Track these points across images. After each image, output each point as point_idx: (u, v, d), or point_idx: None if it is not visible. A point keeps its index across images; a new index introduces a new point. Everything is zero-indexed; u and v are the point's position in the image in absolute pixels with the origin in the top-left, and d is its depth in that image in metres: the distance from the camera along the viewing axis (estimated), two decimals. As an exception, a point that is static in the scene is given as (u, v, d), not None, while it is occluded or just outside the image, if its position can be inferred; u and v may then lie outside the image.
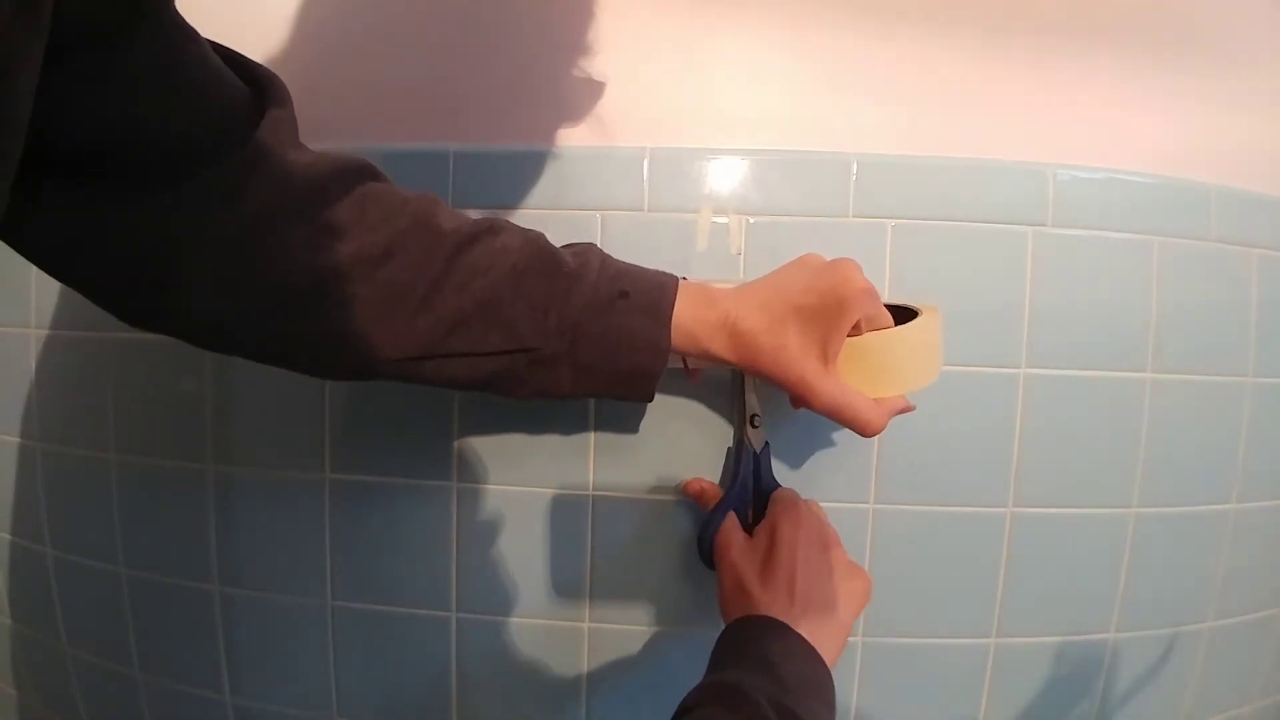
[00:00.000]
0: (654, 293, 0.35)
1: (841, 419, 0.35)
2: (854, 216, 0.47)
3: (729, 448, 0.47)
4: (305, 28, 0.51)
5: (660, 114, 0.48)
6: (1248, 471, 0.51)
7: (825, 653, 0.35)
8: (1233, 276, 0.50)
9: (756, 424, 0.45)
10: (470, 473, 0.49)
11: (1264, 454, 0.51)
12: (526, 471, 0.49)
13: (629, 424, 0.48)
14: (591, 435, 0.48)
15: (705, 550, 0.44)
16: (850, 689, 0.49)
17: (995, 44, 0.48)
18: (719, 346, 0.36)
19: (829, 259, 0.38)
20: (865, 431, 0.36)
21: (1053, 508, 0.48)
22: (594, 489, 0.48)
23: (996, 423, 0.48)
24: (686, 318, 0.35)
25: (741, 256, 0.47)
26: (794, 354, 0.35)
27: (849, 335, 0.36)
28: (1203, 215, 0.49)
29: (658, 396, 0.47)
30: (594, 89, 0.48)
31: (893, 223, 0.47)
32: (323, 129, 0.51)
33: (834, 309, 0.34)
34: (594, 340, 0.34)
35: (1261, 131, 0.51)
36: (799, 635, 0.35)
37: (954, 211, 0.47)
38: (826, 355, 0.35)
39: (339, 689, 0.52)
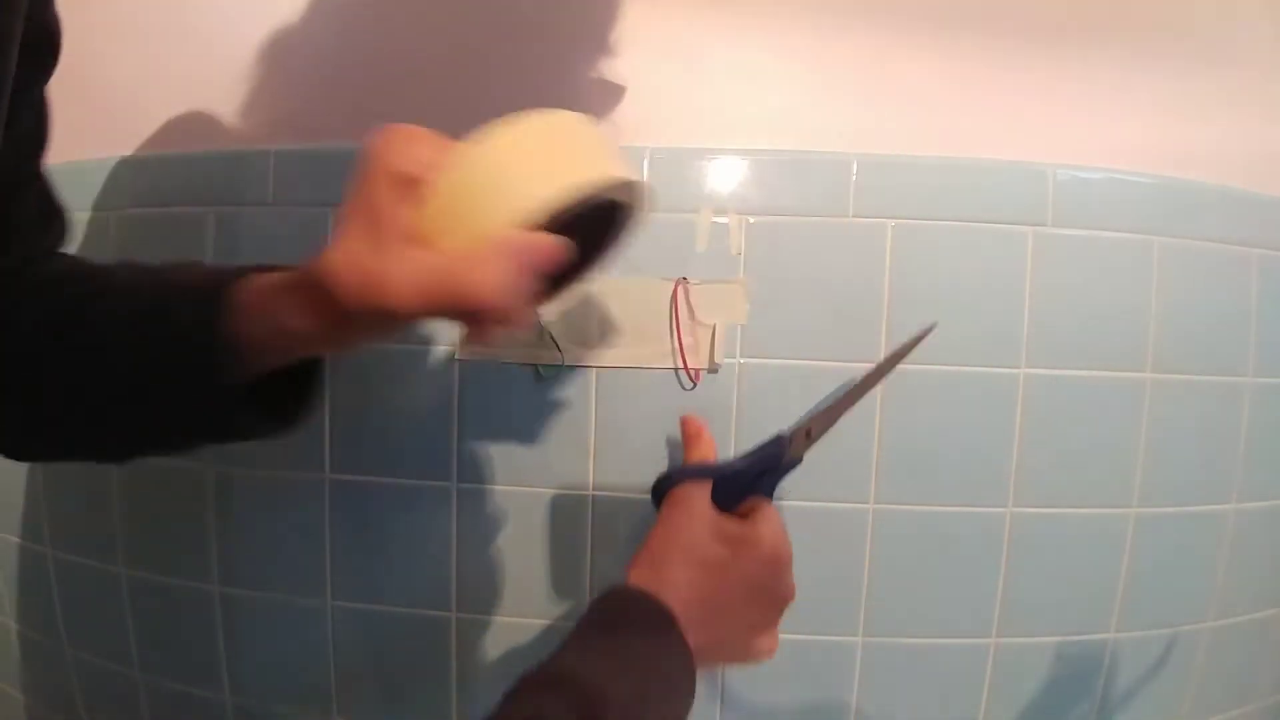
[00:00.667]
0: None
1: (434, 294, 0.24)
2: (854, 216, 0.47)
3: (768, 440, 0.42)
4: (308, 27, 0.51)
5: (660, 114, 0.48)
6: (1248, 471, 0.51)
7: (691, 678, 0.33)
8: (1233, 276, 0.50)
9: (813, 436, 0.41)
10: (470, 473, 0.49)
11: (1264, 454, 0.51)
12: (526, 471, 0.49)
13: (629, 424, 0.48)
14: (591, 435, 0.48)
15: (662, 489, 0.39)
16: (850, 689, 0.49)
17: (995, 44, 0.48)
18: (292, 307, 0.27)
19: None
20: (472, 293, 0.24)
21: (1053, 508, 0.48)
22: (594, 489, 0.48)
23: (996, 423, 0.48)
24: (248, 289, 0.28)
25: (741, 256, 0.47)
26: (356, 258, 0.25)
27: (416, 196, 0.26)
28: (1203, 215, 0.49)
29: (657, 397, 0.48)
30: (609, 90, 0.48)
31: (893, 223, 0.47)
32: (322, 128, 0.51)
33: (358, 180, 0.26)
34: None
35: (1261, 131, 0.51)
36: (688, 652, 0.32)
37: (954, 211, 0.47)
38: (382, 234, 0.25)
39: (339, 689, 0.52)
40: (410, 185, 0.25)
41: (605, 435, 0.48)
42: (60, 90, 0.57)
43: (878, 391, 0.47)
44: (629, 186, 0.29)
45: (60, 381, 0.29)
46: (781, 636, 0.48)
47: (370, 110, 0.50)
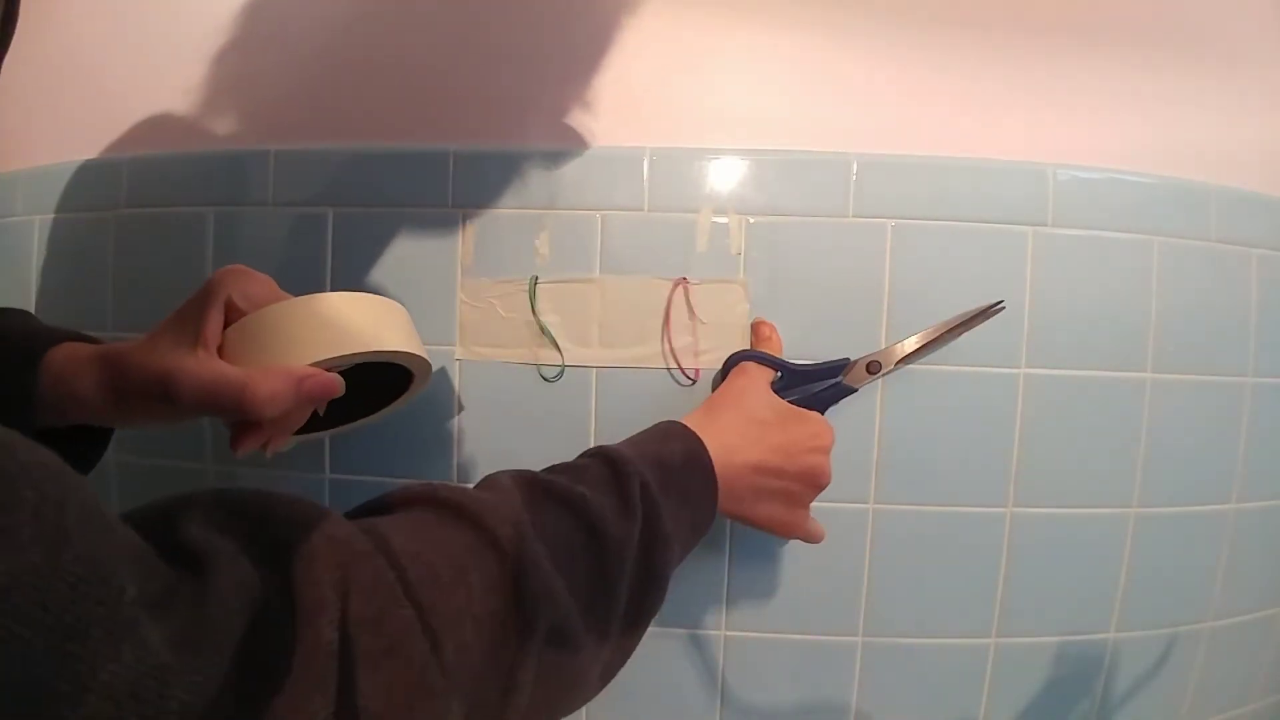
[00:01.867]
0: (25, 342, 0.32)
1: (216, 395, 0.29)
2: (854, 216, 0.47)
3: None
4: (306, 26, 0.51)
5: (660, 114, 0.48)
6: (1248, 471, 0.51)
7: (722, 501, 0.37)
8: (1233, 276, 0.50)
9: (873, 370, 0.45)
10: (470, 473, 0.49)
11: (1264, 454, 0.51)
12: (526, 471, 0.49)
13: (629, 424, 0.48)
14: (591, 435, 0.48)
15: (731, 363, 0.45)
16: (850, 689, 0.49)
17: (995, 44, 0.48)
18: (89, 379, 0.31)
19: None
20: (246, 401, 0.29)
21: (1053, 508, 0.48)
22: (594, 489, 0.48)
23: (996, 423, 0.48)
24: (57, 355, 0.31)
25: (741, 256, 0.47)
26: (159, 351, 0.30)
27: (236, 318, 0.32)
28: (1203, 215, 0.49)
29: (657, 397, 0.48)
30: (595, 90, 0.48)
31: (893, 223, 0.47)
32: (320, 127, 0.51)
33: (198, 297, 0.32)
34: None
35: (1261, 131, 0.51)
36: (712, 478, 0.36)
37: (954, 211, 0.47)
38: (202, 340, 0.30)
39: (339, 689, 0.52)
40: (234, 312, 0.32)
41: (605, 435, 0.48)
42: (61, 91, 0.58)
43: (878, 391, 0.47)
44: (413, 360, 0.38)
45: None
46: (782, 636, 0.48)
47: (368, 110, 0.50)
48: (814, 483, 0.40)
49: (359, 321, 0.35)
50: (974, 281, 0.47)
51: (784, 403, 0.42)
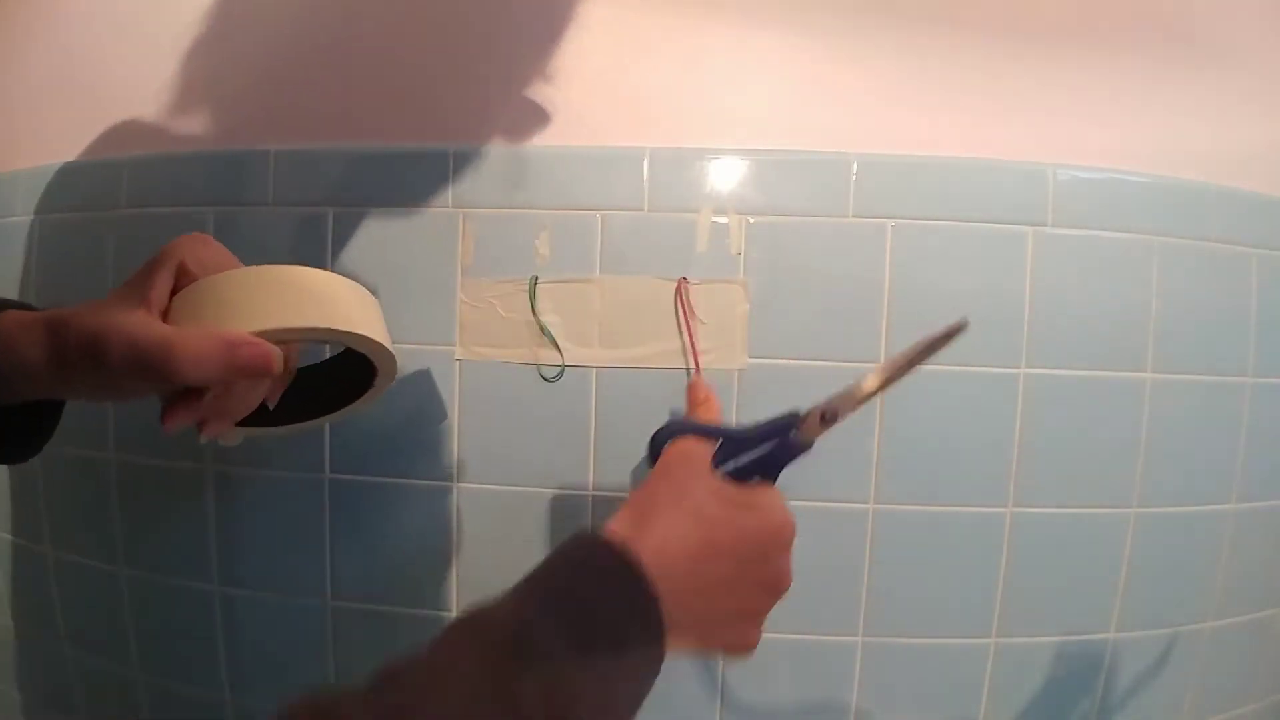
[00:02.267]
0: None
1: (143, 355, 0.27)
2: (854, 216, 0.47)
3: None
4: (297, 27, 0.51)
5: (660, 114, 0.48)
6: (1248, 471, 0.51)
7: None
8: (1233, 276, 0.50)
9: (829, 420, 0.36)
10: (470, 473, 0.49)
11: (1264, 454, 0.51)
12: (526, 471, 0.49)
13: (629, 424, 0.48)
14: (591, 435, 0.48)
15: (661, 441, 0.35)
16: (850, 689, 0.49)
17: (995, 44, 0.48)
18: (35, 346, 0.28)
19: None
20: (169, 364, 0.27)
21: (1053, 508, 0.48)
22: (594, 489, 0.48)
23: (996, 423, 0.48)
24: (3, 323, 0.29)
25: (741, 256, 0.47)
26: (102, 312, 0.28)
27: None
28: (1203, 215, 0.49)
29: (659, 398, 0.48)
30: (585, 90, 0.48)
31: (893, 223, 0.47)
32: (320, 127, 0.51)
33: (149, 262, 0.30)
34: None
35: (1261, 131, 0.51)
36: (659, 627, 0.27)
37: (954, 211, 0.47)
38: (145, 301, 0.28)
39: (339, 689, 0.52)
40: (185, 276, 0.30)
41: (605, 435, 0.48)
42: (61, 91, 0.57)
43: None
44: (374, 348, 0.34)
45: None
46: (782, 636, 0.48)
47: (368, 109, 0.50)
48: (775, 591, 0.32)
49: (315, 295, 0.31)
50: (974, 281, 0.47)
51: (731, 489, 0.33)
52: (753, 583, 0.31)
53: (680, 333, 0.47)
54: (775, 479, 0.36)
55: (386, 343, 0.34)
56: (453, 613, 0.50)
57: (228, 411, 0.35)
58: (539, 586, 0.28)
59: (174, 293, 0.30)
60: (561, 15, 0.49)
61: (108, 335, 0.27)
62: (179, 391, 0.31)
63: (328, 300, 0.32)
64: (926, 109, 0.48)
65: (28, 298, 0.57)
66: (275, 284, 0.30)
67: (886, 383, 0.36)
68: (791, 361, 0.47)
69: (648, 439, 0.36)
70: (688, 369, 0.47)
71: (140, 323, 0.28)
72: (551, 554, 0.29)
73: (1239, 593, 0.52)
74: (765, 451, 0.36)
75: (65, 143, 0.56)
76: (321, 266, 0.49)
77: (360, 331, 0.32)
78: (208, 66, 0.52)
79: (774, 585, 0.32)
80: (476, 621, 0.25)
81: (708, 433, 0.36)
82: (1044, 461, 0.48)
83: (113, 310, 0.28)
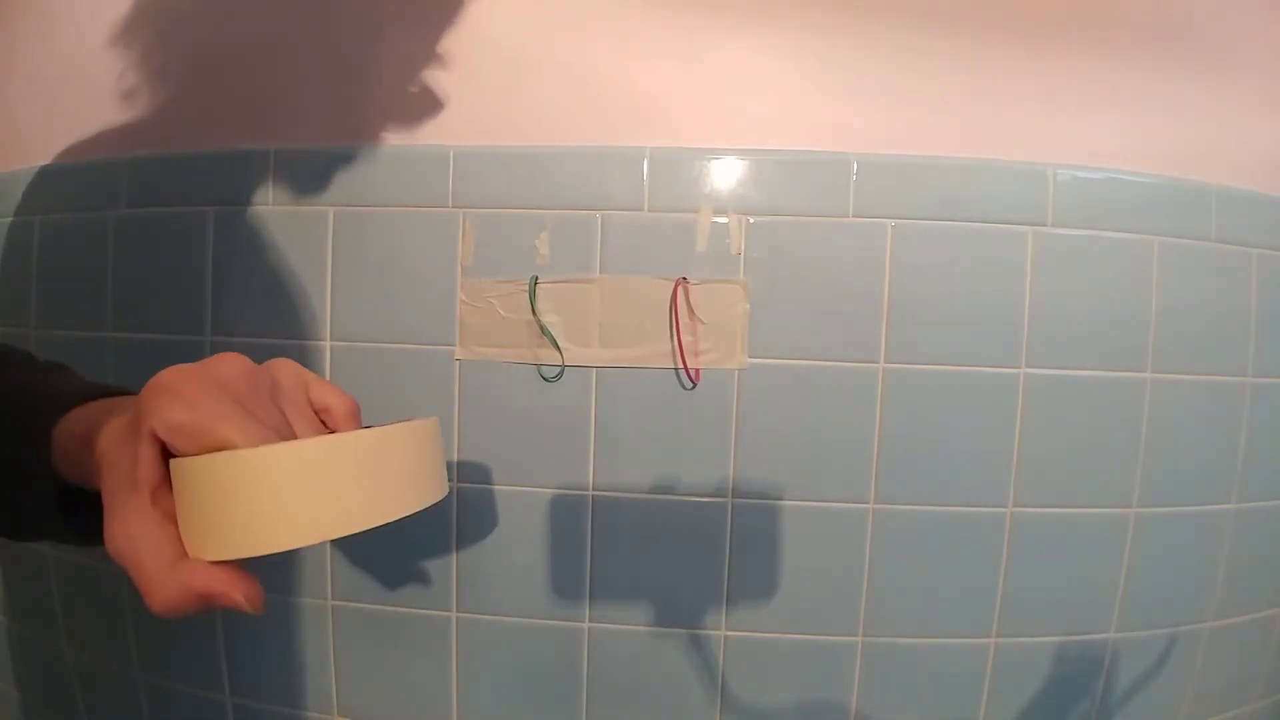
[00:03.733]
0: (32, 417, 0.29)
1: (128, 573, 0.24)
2: (854, 216, 0.47)
3: None
4: (306, 26, 0.51)
5: (660, 114, 0.48)
6: (1248, 471, 0.51)
7: None
8: (1233, 276, 0.50)
9: None
10: (470, 473, 0.49)
11: (1264, 454, 0.51)
12: (526, 471, 0.49)
13: (629, 424, 0.48)
14: (591, 435, 0.48)
15: None
16: (850, 689, 0.49)
17: (995, 44, 0.48)
18: (89, 466, 0.27)
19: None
20: (147, 601, 0.24)
21: (1053, 508, 0.48)
22: (594, 489, 0.48)
23: (996, 423, 0.48)
24: (59, 434, 0.28)
25: (741, 256, 0.47)
26: (109, 475, 0.25)
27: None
28: (1203, 215, 0.49)
29: (659, 398, 0.48)
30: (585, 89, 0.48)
31: (893, 223, 0.47)
32: (322, 127, 0.51)
33: (131, 421, 0.25)
34: None
35: (1261, 131, 0.51)
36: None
37: (954, 211, 0.47)
38: (131, 484, 0.24)
39: (339, 689, 0.52)
40: (168, 445, 0.24)
41: (605, 435, 0.48)
42: (62, 91, 0.57)
43: (878, 391, 0.47)
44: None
45: None
46: (782, 636, 0.48)
47: (371, 107, 0.50)
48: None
49: (347, 490, 0.23)
50: (974, 281, 0.47)
51: None
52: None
53: (671, 334, 0.47)
54: None
55: (441, 490, 0.27)
56: (453, 612, 0.50)
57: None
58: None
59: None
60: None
61: (107, 526, 0.24)
62: None
63: (368, 492, 0.24)
64: (926, 109, 0.48)
65: (28, 298, 0.57)
66: (289, 482, 0.23)
67: None
68: (791, 361, 0.47)
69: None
70: (682, 369, 0.47)
71: (125, 530, 0.24)
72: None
73: (1239, 593, 0.52)
74: None
75: (65, 143, 0.56)
76: (321, 267, 0.50)
77: (402, 515, 0.25)
78: (207, 66, 0.52)
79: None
80: None
81: None
82: (1044, 461, 0.48)
83: (110, 492, 0.25)
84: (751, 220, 0.47)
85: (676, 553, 0.48)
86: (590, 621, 0.49)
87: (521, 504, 0.49)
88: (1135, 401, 0.48)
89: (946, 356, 0.47)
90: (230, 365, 0.26)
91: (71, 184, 0.55)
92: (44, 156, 0.57)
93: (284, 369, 0.28)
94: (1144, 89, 0.49)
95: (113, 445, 0.25)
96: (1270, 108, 0.51)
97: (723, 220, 0.47)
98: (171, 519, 0.24)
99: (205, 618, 0.53)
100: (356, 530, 0.23)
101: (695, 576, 0.48)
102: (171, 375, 0.24)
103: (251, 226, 0.51)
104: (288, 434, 0.26)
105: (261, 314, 0.50)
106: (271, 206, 0.50)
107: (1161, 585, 0.50)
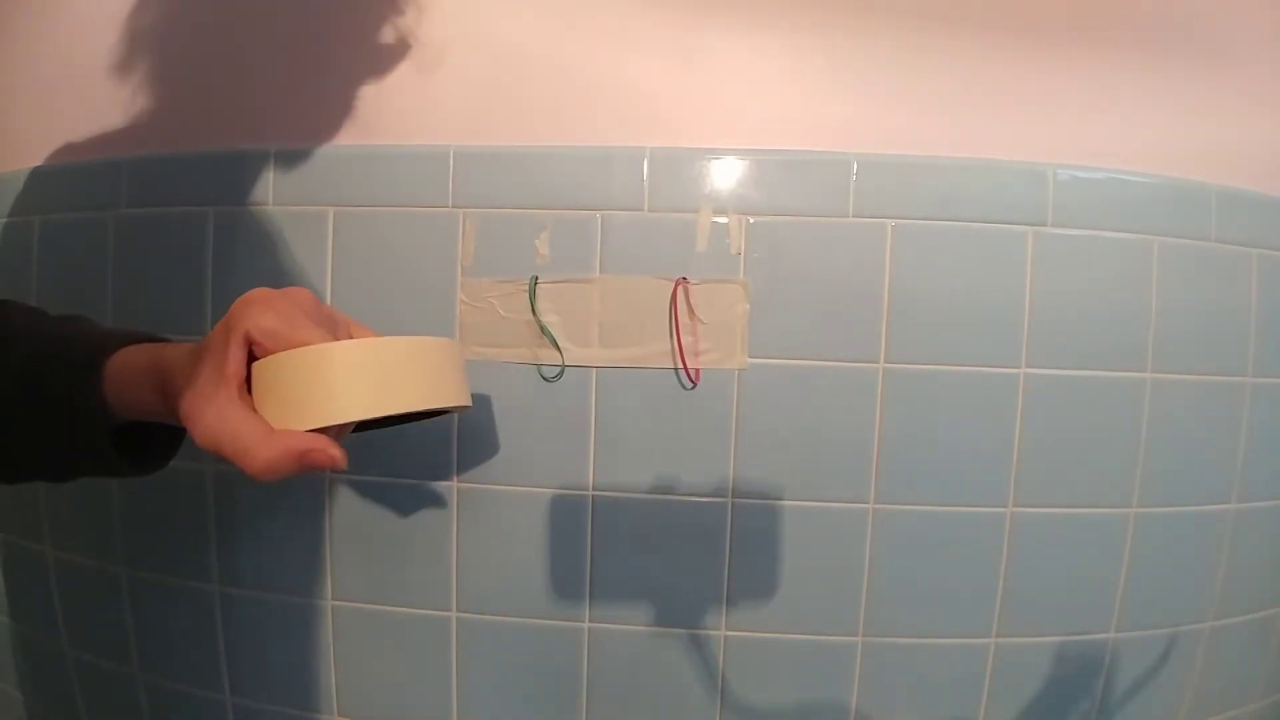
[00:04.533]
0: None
1: (222, 450, 0.29)
2: (854, 216, 0.47)
3: None
4: (304, 25, 0.51)
5: (660, 114, 0.48)
6: (1248, 471, 0.51)
7: None
8: (1233, 276, 0.50)
9: None
10: (470, 473, 0.49)
11: (1264, 454, 0.51)
12: (526, 471, 0.49)
13: (629, 424, 0.48)
14: (591, 435, 0.48)
15: None
16: (850, 689, 0.49)
17: (995, 44, 0.48)
18: (146, 391, 0.31)
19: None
20: (244, 467, 0.29)
21: (1053, 508, 0.48)
22: (594, 489, 0.48)
23: (996, 423, 0.48)
24: (114, 364, 0.32)
25: (741, 256, 0.47)
26: (181, 385, 0.30)
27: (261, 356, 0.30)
28: (1203, 215, 0.49)
29: (660, 399, 0.48)
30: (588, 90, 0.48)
31: (893, 223, 0.47)
32: (322, 125, 0.51)
33: (222, 327, 0.30)
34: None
35: (1261, 131, 0.51)
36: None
37: (954, 211, 0.47)
38: (222, 378, 0.29)
39: (339, 689, 0.52)
40: (257, 346, 0.30)
41: (605, 435, 0.48)
42: (61, 91, 0.57)
43: (878, 391, 0.47)
44: (454, 407, 0.34)
45: None
46: (782, 636, 0.48)
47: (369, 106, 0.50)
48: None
49: (394, 379, 0.31)
50: (974, 281, 0.47)
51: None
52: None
53: (670, 334, 0.47)
54: None
55: (466, 399, 0.35)
56: (453, 612, 0.50)
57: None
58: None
59: (252, 357, 0.30)
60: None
61: (192, 419, 0.29)
62: None
63: (408, 381, 0.31)
64: (927, 109, 0.48)
65: (27, 298, 0.57)
66: (351, 369, 0.30)
67: None
68: (791, 361, 0.47)
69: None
70: (682, 369, 0.47)
71: (218, 414, 0.29)
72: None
73: (1239, 593, 0.52)
74: None
75: (65, 143, 0.56)
76: (321, 267, 0.50)
77: (443, 405, 0.32)
78: (207, 66, 0.52)
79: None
80: None
81: None
82: (1044, 461, 0.48)
83: (200, 386, 0.29)
84: (751, 220, 0.47)
85: (676, 553, 0.48)
86: (590, 621, 0.49)
87: (521, 504, 0.49)
88: (1135, 401, 0.49)
89: (946, 356, 0.47)
90: (302, 292, 0.32)
91: (71, 184, 0.55)
92: (44, 157, 0.57)
93: (337, 309, 0.34)
94: (1144, 89, 0.49)
95: (193, 359, 0.30)
96: (1270, 108, 0.51)
97: (723, 220, 0.47)
98: (253, 408, 0.30)
99: (206, 617, 0.53)
100: (401, 410, 0.31)
101: (695, 576, 0.48)
102: (261, 292, 0.30)
103: (251, 226, 0.51)
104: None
105: (261, 314, 0.50)
106: (271, 206, 0.50)
107: (1161, 585, 0.50)
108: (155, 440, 0.36)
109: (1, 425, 0.33)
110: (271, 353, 0.29)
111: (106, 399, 0.32)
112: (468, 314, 0.49)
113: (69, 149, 0.56)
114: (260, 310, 0.30)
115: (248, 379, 0.30)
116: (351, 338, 0.33)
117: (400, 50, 0.50)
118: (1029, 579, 0.48)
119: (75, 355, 0.32)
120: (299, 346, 0.29)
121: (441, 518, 0.49)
